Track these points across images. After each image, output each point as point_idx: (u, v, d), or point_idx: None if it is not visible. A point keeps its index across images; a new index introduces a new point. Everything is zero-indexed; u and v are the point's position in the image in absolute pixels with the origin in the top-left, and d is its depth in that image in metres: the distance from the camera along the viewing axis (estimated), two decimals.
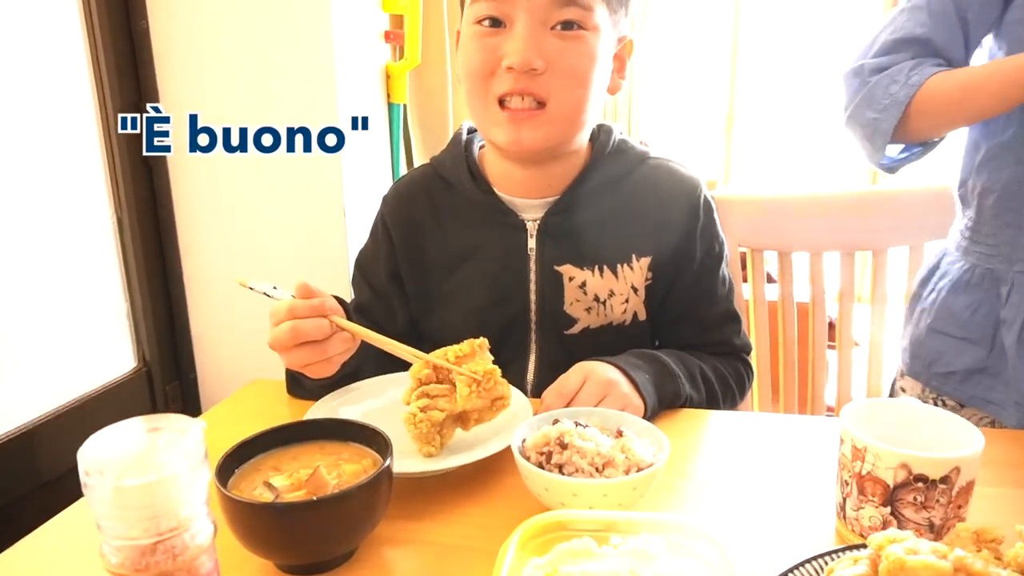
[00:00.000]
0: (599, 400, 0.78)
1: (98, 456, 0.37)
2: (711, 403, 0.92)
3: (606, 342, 0.95)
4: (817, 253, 1.27)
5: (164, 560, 0.39)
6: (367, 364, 0.88)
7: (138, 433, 0.42)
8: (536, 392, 0.93)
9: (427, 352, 0.75)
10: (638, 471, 0.61)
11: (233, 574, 0.57)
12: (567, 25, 0.82)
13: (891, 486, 0.56)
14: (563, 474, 0.61)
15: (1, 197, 0.97)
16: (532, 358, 0.97)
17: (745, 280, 1.27)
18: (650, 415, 0.81)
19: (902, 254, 1.26)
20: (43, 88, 1.03)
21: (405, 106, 1.32)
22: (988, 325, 0.97)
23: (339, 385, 0.85)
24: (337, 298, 0.82)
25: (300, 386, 0.89)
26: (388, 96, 1.26)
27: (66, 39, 1.06)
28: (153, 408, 1.22)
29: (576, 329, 0.95)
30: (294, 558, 0.56)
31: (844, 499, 0.60)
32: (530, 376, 0.96)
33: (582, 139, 0.93)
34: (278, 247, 1.19)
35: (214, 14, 1.13)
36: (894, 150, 1.02)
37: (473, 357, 0.74)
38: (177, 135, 1.16)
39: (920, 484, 0.56)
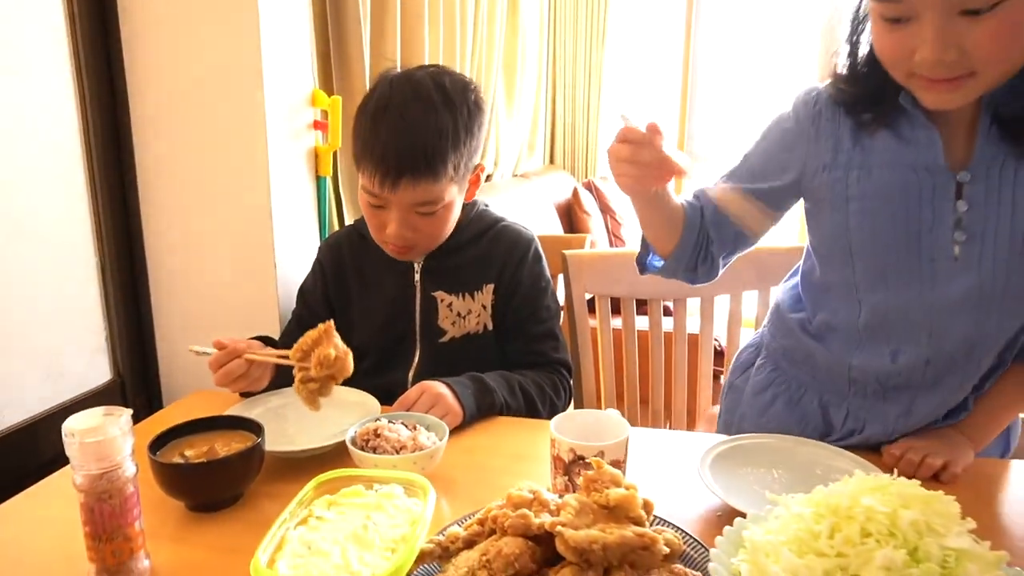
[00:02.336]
0: (429, 408, 1.12)
1: (71, 426, 0.72)
2: (530, 406, 1.26)
3: (465, 347, 1.32)
4: (655, 299, 1.62)
5: (105, 483, 0.73)
6: (283, 380, 1.22)
7: (98, 415, 0.76)
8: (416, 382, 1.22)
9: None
10: (419, 451, 0.95)
11: (157, 511, 0.90)
12: (427, 212, 1.20)
13: (567, 462, 0.90)
14: (375, 453, 0.95)
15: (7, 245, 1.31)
16: (416, 360, 1.33)
17: (592, 317, 1.61)
18: (468, 418, 1.15)
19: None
20: (43, 154, 1.38)
21: (331, 178, 1.68)
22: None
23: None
24: (263, 337, 1.21)
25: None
26: (317, 171, 1.62)
27: (65, 136, 1.42)
28: None
29: (446, 338, 1.32)
30: (196, 500, 0.90)
31: (550, 471, 0.95)
32: (411, 373, 1.32)
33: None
34: (226, 292, 1.54)
35: (186, 113, 1.49)
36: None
37: (320, 342, 1.03)
38: (151, 194, 1.53)
39: (581, 461, 0.89)
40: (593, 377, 1.61)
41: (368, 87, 1.67)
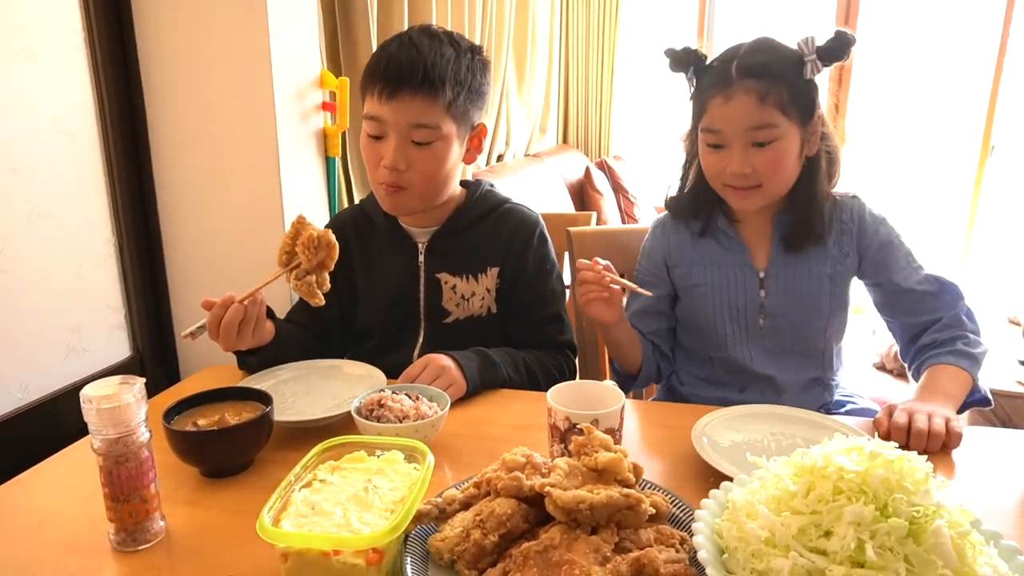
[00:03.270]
0: (433, 379, 1.16)
1: (88, 393, 0.76)
2: (533, 382, 1.29)
3: (469, 328, 1.35)
4: None
5: (121, 447, 0.77)
6: (291, 348, 1.26)
7: (114, 384, 0.80)
8: None
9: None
10: (422, 420, 0.98)
11: (173, 476, 0.95)
12: (422, 139, 1.21)
13: (562, 430, 0.93)
14: (379, 422, 0.99)
15: (41, 241, 1.36)
16: (420, 339, 1.36)
17: None
18: (472, 391, 1.19)
19: None
20: (69, 151, 1.43)
21: (339, 158, 1.71)
22: None
23: (270, 363, 1.23)
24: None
25: (244, 364, 1.29)
26: (326, 151, 1.65)
27: (82, 120, 1.46)
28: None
29: (450, 319, 1.34)
30: (208, 466, 0.95)
31: (548, 439, 0.98)
32: (416, 353, 1.35)
33: (444, 196, 1.32)
34: (238, 270, 1.59)
35: (197, 97, 1.52)
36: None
37: (299, 234, 1.08)
38: (165, 176, 1.57)
39: (577, 428, 0.92)
40: (598, 353, 1.63)
41: None
